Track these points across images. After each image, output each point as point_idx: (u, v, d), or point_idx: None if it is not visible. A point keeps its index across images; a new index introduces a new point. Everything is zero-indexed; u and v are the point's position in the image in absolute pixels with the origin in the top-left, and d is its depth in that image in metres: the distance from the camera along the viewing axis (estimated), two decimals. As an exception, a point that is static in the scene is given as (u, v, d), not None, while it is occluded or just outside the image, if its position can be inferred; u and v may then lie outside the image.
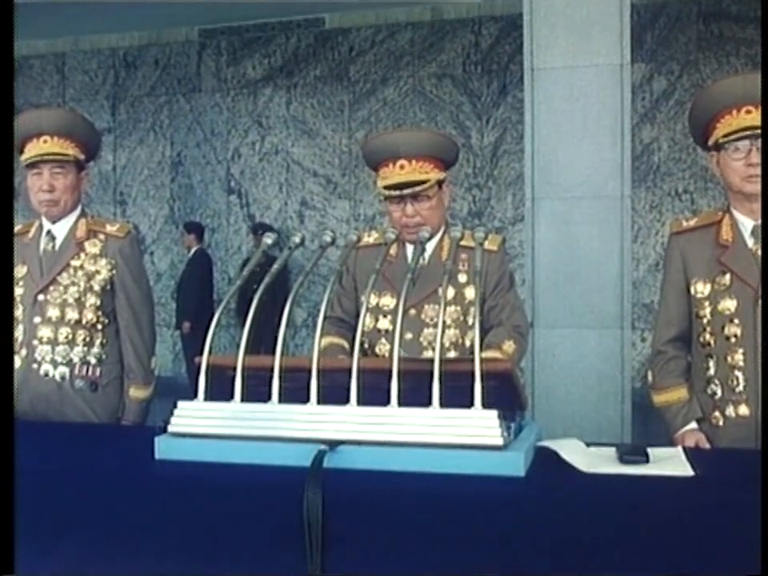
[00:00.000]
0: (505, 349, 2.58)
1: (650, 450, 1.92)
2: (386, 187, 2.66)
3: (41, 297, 2.78)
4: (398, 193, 2.64)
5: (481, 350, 1.87)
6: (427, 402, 1.79)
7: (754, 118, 2.27)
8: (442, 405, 1.79)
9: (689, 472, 1.82)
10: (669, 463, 1.88)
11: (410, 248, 2.71)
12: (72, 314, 2.77)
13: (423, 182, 2.63)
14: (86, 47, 10.13)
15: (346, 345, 2.70)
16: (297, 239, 2.25)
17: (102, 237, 2.84)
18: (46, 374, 2.77)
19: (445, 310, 2.58)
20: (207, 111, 9.87)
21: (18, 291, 2.79)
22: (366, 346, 2.72)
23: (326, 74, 9.48)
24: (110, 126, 10.07)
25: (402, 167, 2.63)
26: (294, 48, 9.58)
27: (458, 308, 2.68)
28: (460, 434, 1.77)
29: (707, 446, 2.36)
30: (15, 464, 1.72)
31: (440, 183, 2.70)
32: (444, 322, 2.63)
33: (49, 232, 2.84)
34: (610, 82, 4.64)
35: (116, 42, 10.06)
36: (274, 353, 1.93)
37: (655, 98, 8.52)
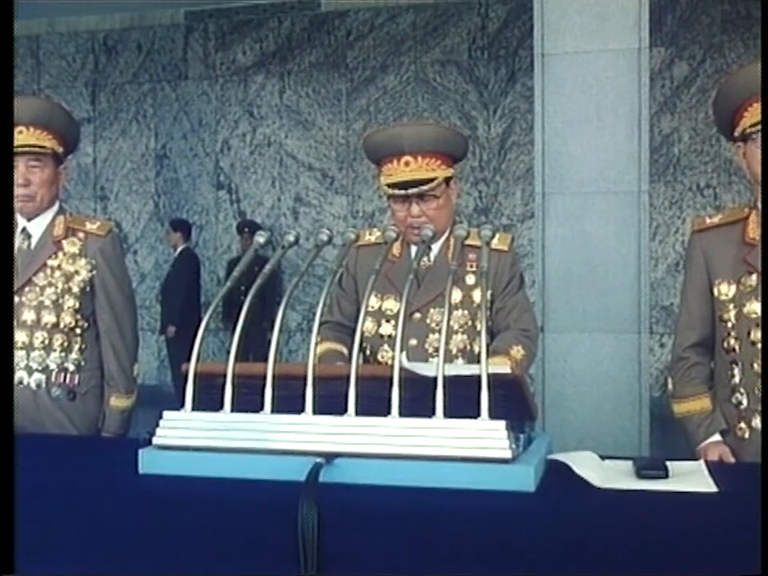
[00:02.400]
0: (513, 355, 2.58)
1: (669, 464, 1.92)
2: (389, 185, 2.66)
3: (15, 299, 2.79)
4: (402, 192, 2.64)
5: (487, 356, 1.87)
6: (430, 412, 1.80)
7: None
8: (446, 415, 1.79)
9: (712, 488, 1.82)
10: (690, 478, 1.88)
11: (414, 248, 2.70)
12: (49, 318, 2.78)
13: (430, 181, 2.62)
14: (63, 29, 10.13)
15: (345, 351, 2.70)
16: (291, 238, 2.25)
17: (81, 235, 2.84)
18: (21, 382, 2.77)
19: (450, 313, 2.58)
20: (194, 100, 9.88)
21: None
22: (368, 352, 2.73)
23: (322, 61, 9.49)
24: (89, 115, 10.07)
25: (406, 164, 2.63)
26: (287, 32, 9.59)
27: (466, 312, 2.68)
28: (465, 447, 1.77)
29: (732, 460, 2.36)
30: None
31: (447, 180, 2.70)
32: (450, 327, 2.64)
33: (24, 230, 2.84)
34: (626, 68, 4.64)
35: (95, 25, 10.06)
36: (263, 359, 1.93)
37: (676, 85, 8.53)
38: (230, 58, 9.77)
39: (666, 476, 1.88)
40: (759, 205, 2.41)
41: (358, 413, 1.83)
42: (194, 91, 9.88)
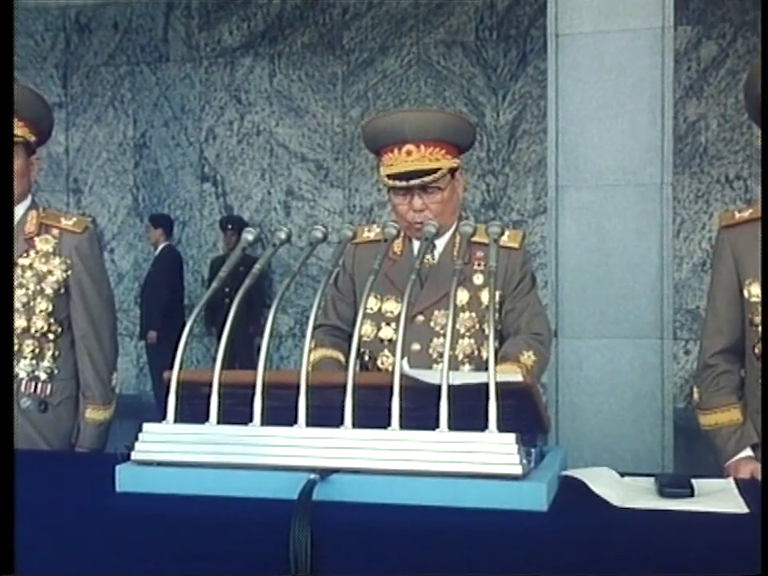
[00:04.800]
0: (523, 361, 2.59)
1: (695, 482, 1.92)
2: (389, 176, 2.67)
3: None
4: (403, 183, 2.65)
5: (496, 362, 1.87)
6: (434, 424, 1.80)
7: None
8: (451, 427, 1.79)
9: (742, 508, 1.81)
10: (718, 497, 1.88)
11: (417, 245, 2.72)
12: (19, 322, 2.78)
13: (433, 171, 2.64)
14: (30, 5, 10.11)
15: (342, 358, 2.71)
16: (282, 235, 2.25)
17: (55, 232, 2.85)
18: (-13, 392, 2.77)
19: (455, 315, 2.59)
20: (176, 84, 9.89)
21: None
22: (367, 358, 2.74)
23: (316, 42, 9.50)
24: (60, 100, 10.08)
25: (408, 153, 2.65)
26: (277, 10, 9.59)
27: (473, 314, 2.70)
28: (472, 462, 1.78)
29: (764, 476, 2.36)
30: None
31: (453, 171, 2.71)
32: (456, 330, 2.65)
33: (-8, 225, 2.85)
34: (648, 49, 4.65)
35: (66, 0, 10.04)
36: (250, 366, 1.94)
37: (703, 67, 8.53)
38: (215, 39, 9.78)
39: (692, 495, 1.88)
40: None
41: (355, 425, 1.84)
42: (175, 75, 9.89)
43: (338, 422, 1.84)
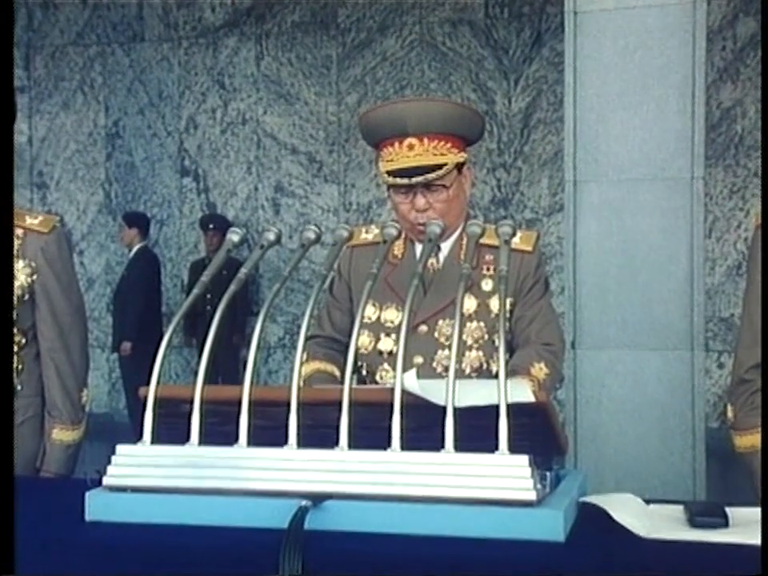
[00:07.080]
0: (534, 374, 2.61)
1: (729, 511, 1.92)
2: (389, 173, 2.68)
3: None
4: (405, 181, 2.66)
5: (506, 375, 1.88)
6: (439, 445, 1.81)
7: None
8: (458, 448, 1.80)
9: (781, 539, 1.82)
10: (755, 528, 1.88)
11: (419, 248, 2.73)
12: (-23, 332, 2.79)
13: (438, 167, 2.65)
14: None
15: (337, 372, 2.72)
16: (271, 236, 2.26)
17: (19, 232, 2.85)
18: (-57, 410, 2.78)
19: (462, 325, 2.60)
20: (152, 67, 9.89)
21: None
22: (365, 372, 2.75)
23: (308, 20, 9.50)
24: (23, 84, 10.08)
25: (410, 147, 2.65)
26: (265, -15, 9.62)
27: (482, 324, 2.71)
28: (480, 486, 1.78)
29: (806, 504, 2.36)
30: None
31: (459, 167, 2.72)
32: (463, 342, 2.65)
33: (-52, 225, 2.86)
34: (678, 27, 4.66)
35: (30, -28, 10.07)
36: (235, 381, 1.94)
37: (739, 46, 8.52)
38: (195, 16, 9.78)
39: (726, 525, 1.88)
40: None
41: (351, 446, 1.84)
42: (151, 56, 9.89)
43: (333, 443, 1.85)
